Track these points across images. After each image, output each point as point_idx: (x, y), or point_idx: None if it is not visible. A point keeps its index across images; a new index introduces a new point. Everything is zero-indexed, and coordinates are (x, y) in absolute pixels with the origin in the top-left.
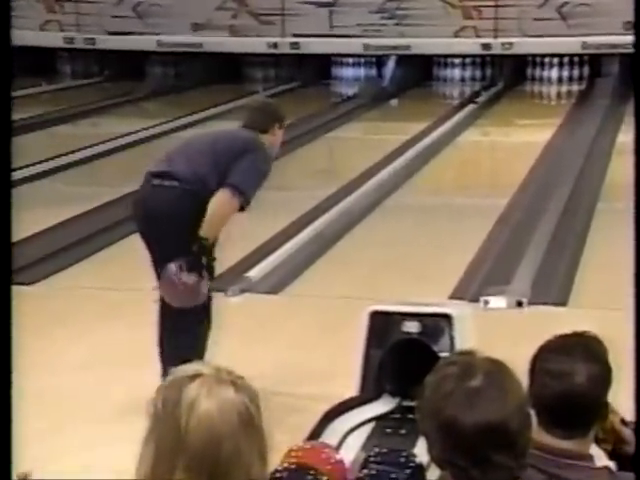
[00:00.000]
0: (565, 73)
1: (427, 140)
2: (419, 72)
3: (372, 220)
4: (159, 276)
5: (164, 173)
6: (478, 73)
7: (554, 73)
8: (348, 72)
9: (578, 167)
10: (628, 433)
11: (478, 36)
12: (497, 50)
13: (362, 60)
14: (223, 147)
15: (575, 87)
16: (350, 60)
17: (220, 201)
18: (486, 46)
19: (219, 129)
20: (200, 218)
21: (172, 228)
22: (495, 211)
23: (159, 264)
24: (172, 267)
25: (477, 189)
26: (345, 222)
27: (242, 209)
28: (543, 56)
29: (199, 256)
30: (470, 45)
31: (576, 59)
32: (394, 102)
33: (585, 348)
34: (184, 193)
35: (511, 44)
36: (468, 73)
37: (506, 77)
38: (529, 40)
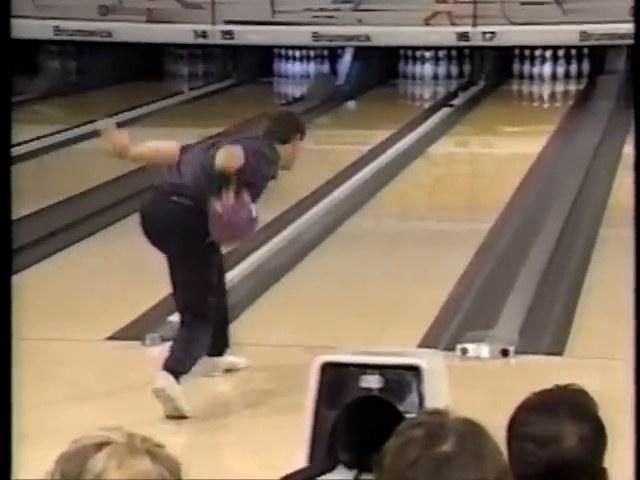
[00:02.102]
0: (560, 69)
1: (392, 152)
2: (382, 68)
3: (325, 249)
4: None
5: (177, 188)
6: (454, 69)
7: (547, 69)
8: (294, 68)
9: (576, 185)
10: None
11: (453, 24)
12: (477, 41)
13: (311, 53)
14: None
15: (572, 86)
16: (297, 53)
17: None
18: (463, 36)
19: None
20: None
21: (190, 244)
22: (475, 239)
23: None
24: (215, 204)
25: (453, 212)
26: (292, 252)
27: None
28: (533, 48)
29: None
30: (444, 35)
31: (573, 52)
32: (351, 105)
33: (572, 404)
34: (197, 211)
35: (493, 34)
36: (441, 69)
37: (488, 74)
38: (516, 29)
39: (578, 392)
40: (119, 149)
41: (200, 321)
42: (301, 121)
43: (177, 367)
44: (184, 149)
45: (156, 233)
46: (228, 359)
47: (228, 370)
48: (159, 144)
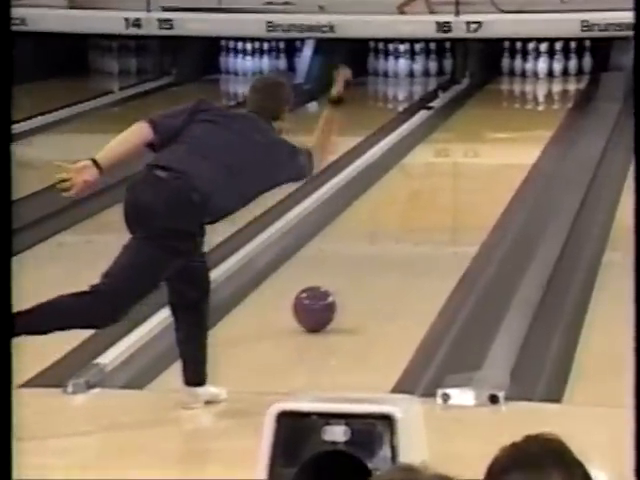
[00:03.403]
0: (558, 65)
1: (360, 162)
2: (348, 64)
3: (282, 277)
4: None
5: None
6: (433, 65)
7: (542, 65)
8: (245, 64)
9: (577, 202)
10: None
11: (432, 12)
12: (460, 32)
13: (265, 46)
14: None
15: (572, 85)
16: (248, 46)
17: None
18: (444, 26)
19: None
20: None
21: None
22: (458, 265)
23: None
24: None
25: (433, 233)
26: (244, 280)
27: None
28: (526, 41)
29: None
30: (421, 25)
31: (573, 45)
32: (312, 107)
33: (557, 455)
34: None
35: (479, 24)
36: (418, 65)
37: (473, 71)
38: (506, 18)
39: (558, 441)
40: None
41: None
42: (290, 90)
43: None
44: (155, 123)
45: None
46: (209, 390)
47: (208, 402)
48: (120, 137)
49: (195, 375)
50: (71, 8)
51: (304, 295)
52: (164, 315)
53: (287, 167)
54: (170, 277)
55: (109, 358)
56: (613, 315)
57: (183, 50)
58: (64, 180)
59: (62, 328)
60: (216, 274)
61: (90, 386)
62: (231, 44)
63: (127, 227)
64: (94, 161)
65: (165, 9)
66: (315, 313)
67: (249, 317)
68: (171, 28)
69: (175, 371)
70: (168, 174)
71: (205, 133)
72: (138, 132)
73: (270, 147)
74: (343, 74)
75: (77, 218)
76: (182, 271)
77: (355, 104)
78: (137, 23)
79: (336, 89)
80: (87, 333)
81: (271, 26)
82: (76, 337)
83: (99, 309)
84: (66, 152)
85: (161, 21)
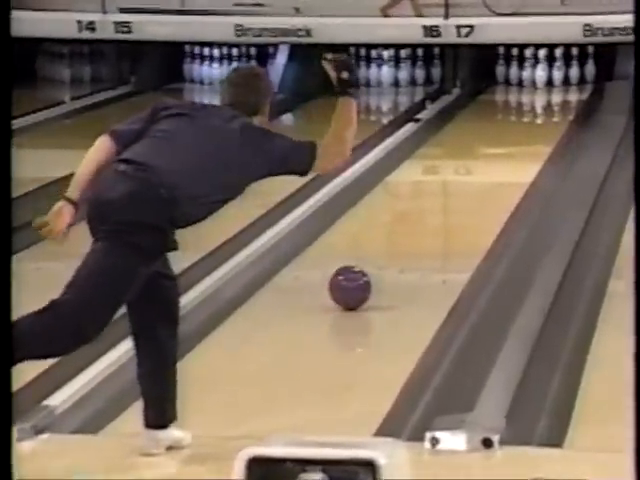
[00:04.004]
0: (557, 74)
1: (340, 181)
2: (326, 72)
3: (253, 309)
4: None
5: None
6: (420, 74)
7: (540, 74)
8: (211, 71)
9: (579, 225)
10: None
11: (419, 14)
12: (449, 37)
13: (234, 52)
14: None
15: (574, 96)
16: (215, 52)
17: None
18: (432, 30)
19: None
20: None
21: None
22: (449, 294)
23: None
24: None
25: (420, 259)
26: (207, 315)
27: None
28: (523, 47)
29: None
30: (406, 29)
31: (575, 51)
32: (287, 119)
33: None
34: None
35: (471, 28)
36: (404, 74)
37: (464, 80)
38: (500, 21)
39: None
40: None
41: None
42: (269, 81)
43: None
44: (116, 133)
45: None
46: (172, 434)
47: (170, 447)
48: (84, 159)
49: (158, 416)
50: (17, 9)
51: (340, 275)
52: (124, 349)
53: (274, 154)
54: (134, 301)
55: (59, 399)
56: (619, 350)
57: (143, 56)
58: (44, 224)
59: (20, 359)
60: (183, 302)
61: (38, 431)
62: (196, 50)
63: (90, 229)
64: (67, 199)
65: (123, 11)
66: (351, 292)
67: (219, 350)
68: (129, 32)
69: (135, 412)
70: (131, 167)
71: (173, 126)
72: (100, 147)
73: (249, 133)
74: (335, 62)
75: (24, 244)
76: (148, 293)
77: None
78: (91, 26)
79: (334, 76)
80: (33, 371)
81: (240, 30)
82: (21, 375)
83: (63, 327)
84: (13, 170)
85: (118, 24)
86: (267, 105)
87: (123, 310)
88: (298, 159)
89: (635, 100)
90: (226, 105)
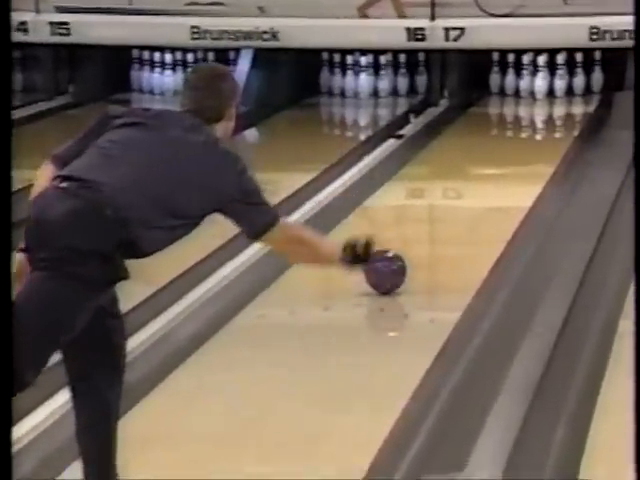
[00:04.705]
0: (560, 83)
1: (311, 205)
2: (295, 81)
3: (210, 352)
4: None
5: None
6: (402, 83)
7: (540, 83)
8: (163, 80)
9: (585, 256)
10: None
11: (402, 15)
12: (437, 41)
13: (189, 58)
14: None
15: (578, 108)
16: (167, 57)
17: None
18: (416, 33)
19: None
20: None
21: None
22: (437, 335)
23: None
24: None
25: (403, 294)
26: (158, 361)
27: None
28: (520, 52)
29: None
30: (387, 32)
31: (579, 58)
32: (250, 135)
33: None
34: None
35: (462, 30)
36: (384, 83)
37: (453, 90)
38: (494, 23)
39: None
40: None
41: None
42: (235, 81)
43: None
44: (57, 156)
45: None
46: None
47: None
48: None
49: (99, 477)
50: None
51: (377, 258)
52: (59, 402)
53: (226, 191)
54: (70, 343)
55: None
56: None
57: (83, 62)
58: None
59: None
60: (129, 346)
61: None
62: (145, 55)
63: (27, 257)
64: (22, 249)
65: (59, 10)
66: (387, 276)
67: (170, 401)
68: (68, 34)
69: (73, 474)
70: (74, 184)
71: (124, 136)
72: (44, 175)
73: (213, 153)
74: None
75: None
76: (88, 335)
77: (305, 131)
78: (23, 27)
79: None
80: None
81: (197, 32)
82: None
83: None
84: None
85: (54, 25)
86: (232, 109)
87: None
88: (249, 220)
89: (636, 107)
90: (186, 111)
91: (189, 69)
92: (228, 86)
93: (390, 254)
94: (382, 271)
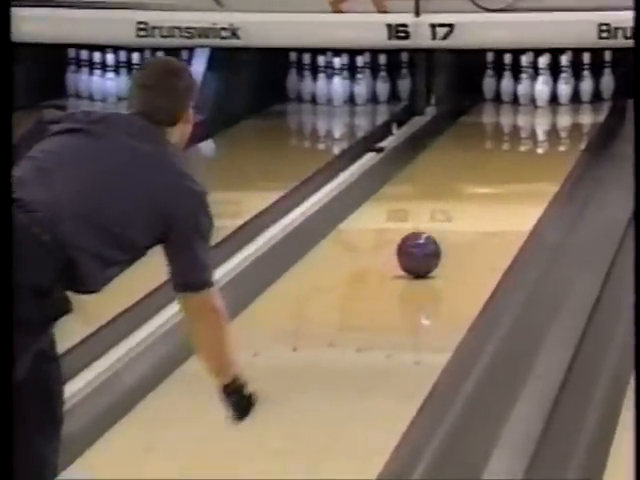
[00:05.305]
0: (565, 88)
1: (276, 230)
2: (259, 85)
3: (163, 396)
4: None
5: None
6: (383, 88)
7: (542, 89)
8: (105, 83)
9: (595, 288)
10: None
11: (382, 10)
12: (422, 40)
13: (135, 58)
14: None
15: (586, 117)
16: (109, 58)
17: None
18: (399, 31)
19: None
20: None
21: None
22: (422, 380)
23: None
24: None
25: (384, 333)
26: (108, 402)
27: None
28: (517, 52)
29: None
30: (366, 29)
31: (587, 59)
32: (206, 147)
33: None
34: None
35: (451, 27)
36: (362, 88)
37: (441, 97)
38: (489, 19)
39: None
40: None
41: None
42: (192, 78)
43: None
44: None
45: None
46: None
47: None
48: None
49: None
50: None
51: (409, 242)
52: None
53: (190, 208)
54: None
55: None
56: None
57: (24, 63)
58: None
59: None
60: (67, 392)
61: None
62: (83, 55)
63: None
64: None
65: None
66: (421, 260)
67: (113, 456)
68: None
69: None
70: None
71: (61, 145)
72: None
73: (165, 167)
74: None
75: None
76: (25, 382)
77: (270, 144)
78: None
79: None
80: None
81: (144, 29)
82: None
83: None
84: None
85: None
86: (189, 111)
87: None
88: (181, 267)
89: (636, 107)
90: (135, 114)
91: (137, 68)
92: (184, 84)
93: (422, 239)
94: (416, 255)
